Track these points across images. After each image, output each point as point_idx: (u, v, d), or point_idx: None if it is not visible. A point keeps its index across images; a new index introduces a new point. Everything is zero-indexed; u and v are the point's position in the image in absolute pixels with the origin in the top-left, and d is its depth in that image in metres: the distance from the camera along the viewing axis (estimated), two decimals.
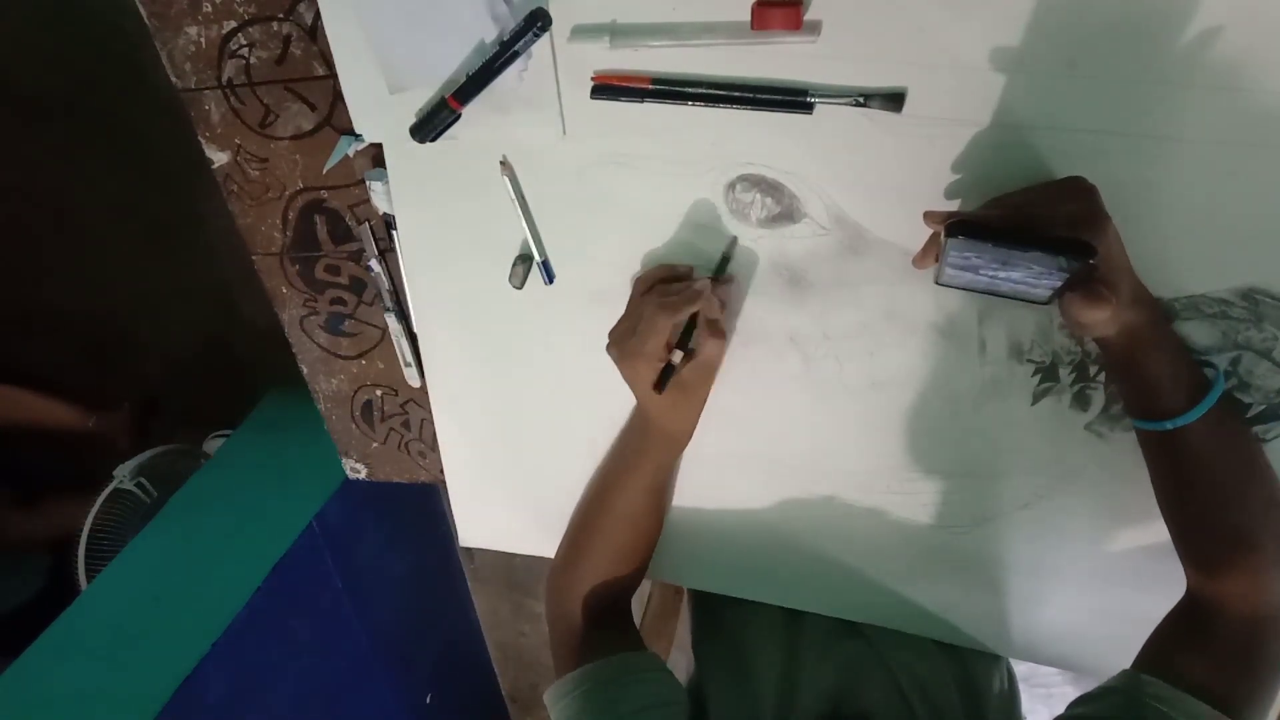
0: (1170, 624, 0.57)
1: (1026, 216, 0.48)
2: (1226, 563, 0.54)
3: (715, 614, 0.81)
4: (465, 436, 0.79)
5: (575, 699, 0.62)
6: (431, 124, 0.60)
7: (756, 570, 0.76)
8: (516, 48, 0.56)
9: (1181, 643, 0.54)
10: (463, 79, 0.57)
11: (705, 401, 0.65)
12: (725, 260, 0.61)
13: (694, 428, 0.66)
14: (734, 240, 0.61)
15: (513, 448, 0.78)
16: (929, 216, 0.52)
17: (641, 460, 0.67)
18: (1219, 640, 0.53)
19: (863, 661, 0.69)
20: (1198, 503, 0.55)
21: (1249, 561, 0.53)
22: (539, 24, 0.54)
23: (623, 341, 0.59)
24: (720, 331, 0.59)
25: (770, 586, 0.75)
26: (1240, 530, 0.53)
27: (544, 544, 0.83)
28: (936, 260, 0.51)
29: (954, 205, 0.55)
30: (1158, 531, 0.60)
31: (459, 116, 0.60)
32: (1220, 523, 0.54)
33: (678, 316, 0.56)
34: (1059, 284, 0.47)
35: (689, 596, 0.90)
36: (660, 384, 0.57)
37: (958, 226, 0.46)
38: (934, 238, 0.52)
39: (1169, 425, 0.52)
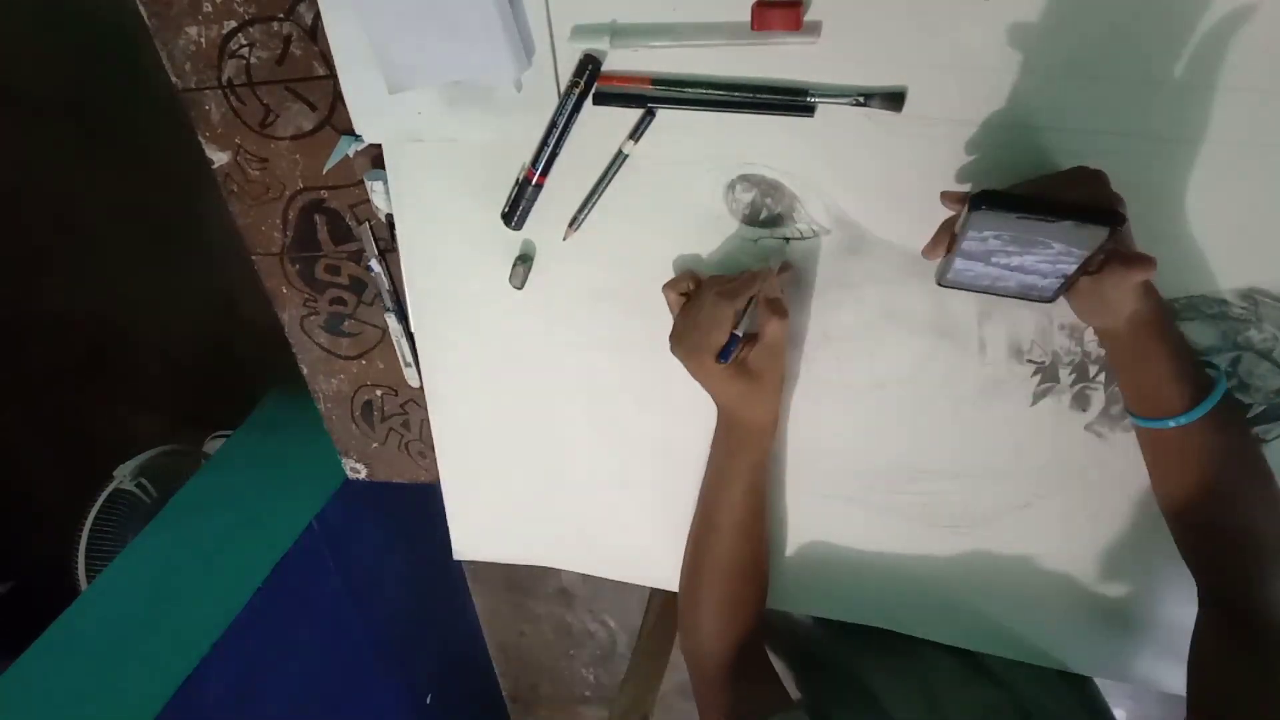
0: (1210, 652, 0.54)
1: None
2: (1237, 566, 0.53)
3: (816, 647, 0.77)
4: (462, 440, 0.79)
5: None
6: (519, 205, 0.62)
7: None
8: (574, 101, 0.57)
9: (1235, 673, 0.52)
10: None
11: (780, 386, 0.62)
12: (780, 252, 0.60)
13: (776, 416, 0.64)
14: (784, 246, 0.60)
15: (511, 451, 0.77)
16: (946, 196, 0.50)
17: (734, 463, 0.65)
18: (1263, 653, 0.51)
19: (1000, 707, 0.66)
20: (1201, 504, 0.54)
21: (1257, 562, 0.52)
22: (590, 67, 0.55)
23: (686, 337, 0.58)
24: (782, 310, 0.57)
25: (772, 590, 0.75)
26: (1245, 532, 0.53)
27: (541, 554, 0.83)
28: (949, 249, 0.50)
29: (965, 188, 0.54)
30: (1157, 532, 0.60)
31: (542, 187, 0.61)
32: (1226, 524, 0.53)
33: (738, 303, 0.56)
34: (1072, 269, 0.47)
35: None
36: (723, 354, 0.56)
37: (983, 197, 0.45)
38: (945, 225, 0.51)
39: (1171, 424, 0.52)
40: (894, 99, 0.52)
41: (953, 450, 0.65)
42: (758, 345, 0.58)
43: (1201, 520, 0.55)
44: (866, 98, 0.52)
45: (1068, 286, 0.49)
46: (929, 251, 0.52)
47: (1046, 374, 0.60)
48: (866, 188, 0.56)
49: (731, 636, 0.66)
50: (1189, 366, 0.52)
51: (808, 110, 0.54)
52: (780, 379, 0.62)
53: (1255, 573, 0.52)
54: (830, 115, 0.54)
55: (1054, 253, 0.46)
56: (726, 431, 0.65)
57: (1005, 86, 0.50)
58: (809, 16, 0.51)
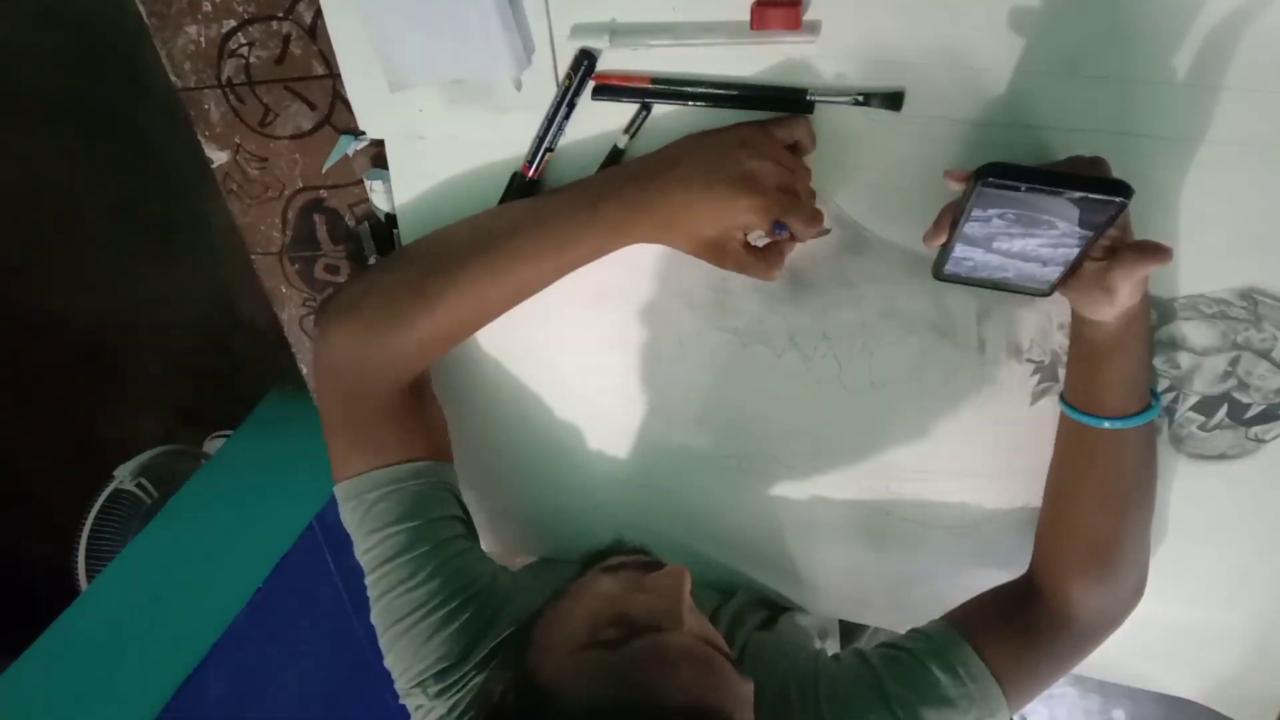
0: (1001, 601, 0.61)
1: None
2: (1081, 566, 0.57)
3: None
4: (460, 438, 0.79)
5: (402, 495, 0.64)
6: (510, 198, 0.62)
7: (752, 572, 0.76)
8: (569, 95, 0.57)
9: (1004, 623, 0.59)
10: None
11: (716, 263, 0.56)
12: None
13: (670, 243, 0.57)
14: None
15: (509, 453, 0.77)
16: (950, 175, 0.49)
17: (596, 241, 0.57)
18: (1036, 634, 0.58)
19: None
20: (1089, 502, 0.57)
21: (1101, 572, 0.57)
22: (585, 62, 0.55)
23: (763, 177, 0.51)
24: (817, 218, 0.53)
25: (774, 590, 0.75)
26: (1110, 541, 0.56)
27: (537, 549, 0.83)
28: (951, 233, 0.49)
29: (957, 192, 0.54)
30: (1155, 531, 0.60)
31: (538, 183, 0.61)
32: (1098, 527, 0.57)
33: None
34: (1074, 254, 0.46)
35: None
36: (780, 226, 0.52)
37: (991, 168, 0.44)
38: (947, 209, 0.50)
39: (1106, 424, 0.53)
40: (893, 99, 0.52)
41: (952, 450, 0.65)
42: (776, 250, 0.55)
43: (1080, 516, 0.57)
44: (865, 97, 0.52)
45: (1067, 275, 0.49)
46: (930, 237, 0.51)
47: (1046, 373, 0.60)
48: (866, 187, 0.56)
49: (417, 382, 0.64)
50: (1146, 374, 0.54)
51: (807, 110, 0.54)
52: (735, 268, 0.56)
53: (1093, 580, 0.57)
54: (829, 114, 0.54)
55: (1058, 234, 0.45)
56: (634, 214, 0.55)
57: (1004, 86, 0.50)
58: (808, 16, 0.51)
